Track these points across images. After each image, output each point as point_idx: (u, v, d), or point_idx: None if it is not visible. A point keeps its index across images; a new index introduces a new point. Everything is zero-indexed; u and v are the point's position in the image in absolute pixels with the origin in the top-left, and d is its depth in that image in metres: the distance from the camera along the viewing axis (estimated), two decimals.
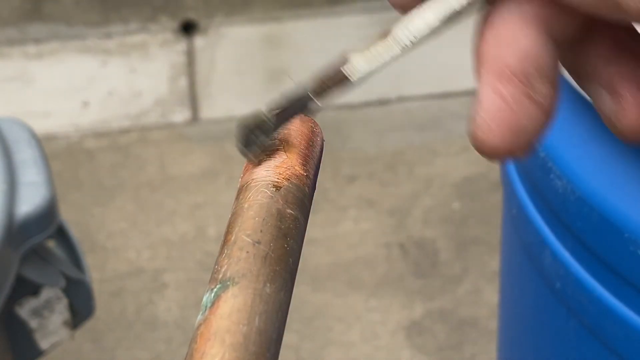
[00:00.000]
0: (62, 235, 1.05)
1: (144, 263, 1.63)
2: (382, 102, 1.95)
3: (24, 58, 2.06)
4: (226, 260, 0.32)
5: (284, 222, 0.33)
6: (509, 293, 0.97)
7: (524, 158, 0.28)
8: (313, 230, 1.64)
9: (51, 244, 1.03)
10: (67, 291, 1.00)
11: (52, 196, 0.96)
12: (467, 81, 1.93)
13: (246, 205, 0.33)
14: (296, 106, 0.33)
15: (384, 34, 0.32)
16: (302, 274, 1.56)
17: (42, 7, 2.11)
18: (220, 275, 0.31)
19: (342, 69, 0.32)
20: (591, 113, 0.72)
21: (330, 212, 1.70)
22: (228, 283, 0.31)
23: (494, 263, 1.57)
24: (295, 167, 0.35)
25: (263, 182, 0.34)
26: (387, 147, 1.84)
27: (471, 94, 2.00)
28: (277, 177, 0.34)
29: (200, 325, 0.30)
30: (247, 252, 0.32)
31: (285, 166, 0.35)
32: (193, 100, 1.98)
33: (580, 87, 0.29)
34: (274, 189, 0.34)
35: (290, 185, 0.34)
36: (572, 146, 0.74)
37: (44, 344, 0.99)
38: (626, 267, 0.70)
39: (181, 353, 1.49)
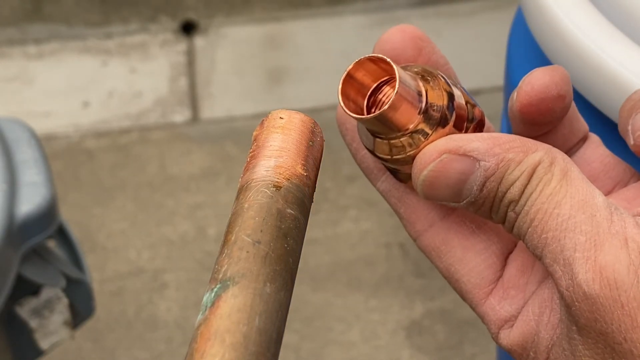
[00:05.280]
0: (62, 235, 1.05)
1: (144, 263, 1.63)
2: None
3: (24, 58, 2.06)
4: (226, 260, 0.32)
5: (284, 222, 0.33)
6: None
7: None
8: (313, 230, 1.64)
9: (51, 244, 1.03)
10: (67, 291, 1.00)
11: (53, 196, 0.96)
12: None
13: (246, 205, 0.33)
14: None
15: None
16: (302, 274, 1.56)
17: (42, 7, 2.11)
18: (221, 275, 0.31)
19: None
20: (590, 113, 0.72)
21: (330, 212, 1.70)
22: (228, 283, 0.31)
23: None
24: (295, 167, 0.35)
25: (263, 182, 0.34)
26: None
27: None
28: (277, 177, 0.34)
29: (200, 325, 0.30)
30: (247, 252, 0.32)
31: (285, 166, 0.35)
32: (193, 100, 1.98)
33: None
34: (274, 189, 0.34)
35: (290, 185, 0.34)
36: None
37: (44, 343, 0.99)
38: None
39: (181, 353, 1.49)
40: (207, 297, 0.31)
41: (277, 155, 0.35)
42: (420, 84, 0.37)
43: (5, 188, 0.93)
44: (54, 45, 2.08)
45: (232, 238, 0.32)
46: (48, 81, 2.02)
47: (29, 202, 0.94)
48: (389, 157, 0.38)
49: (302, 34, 2.11)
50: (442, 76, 0.38)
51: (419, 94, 0.37)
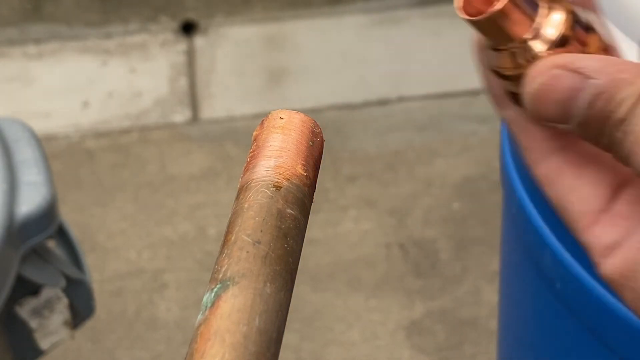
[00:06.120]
0: (62, 235, 1.05)
1: (144, 263, 1.63)
2: (382, 102, 1.95)
3: (24, 58, 2.06)
4: (226, 260, 0.32)
5: (284, 222, 0.33)
6: (509, 293, 0.97)
7: None
8: (313, 230, 1.64)
9: (51, 244, 1.03)
10: (67, 291, 1.00)
11: (53, 196, 0.96)
12: (467, 81, 1.93)
13: (246, 205, 0.33)
14: None
15: None
16: (302, 274, 1.56)
17: (42, 7, 2.11)
18: (221, 275, 0.31)
19: None
20: None
21: (330, 212, 1.70)
22: (228, 283, 0.31)
23: (494, 263, 1.57)
24: (295, 167, 0.35)
25: (263, 182, 0.34)
26: (387, 147, 1.84)
27: (471, 94, 2.00)
28: (277, 177, 0.34)
29: (200, 325, 0.30)
30: (247, 252, 0.32)
31: (285, 166, 0.35)
32: (193, 100, 1.98)
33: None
34: (274, 189, 0.34)
35: (290, 185, 0.34)
36: None
37: (44, 343, 0.99)
38: None
39: (181, 353, 1.49)
40: (207, 297, 0.31)
41: (277, 155, 0.35)
42: None
43: (5, 188, 0.93)
44: (54, 45, 2.08)
45: (232, 238, 0.32)
46: (48, 81, 2.02)
47: (29, 202, 0.94)
48: (508, 71, 0.39)
49: (302, 34, 2.11)
50: None
51: (537, 6, 0.38)
